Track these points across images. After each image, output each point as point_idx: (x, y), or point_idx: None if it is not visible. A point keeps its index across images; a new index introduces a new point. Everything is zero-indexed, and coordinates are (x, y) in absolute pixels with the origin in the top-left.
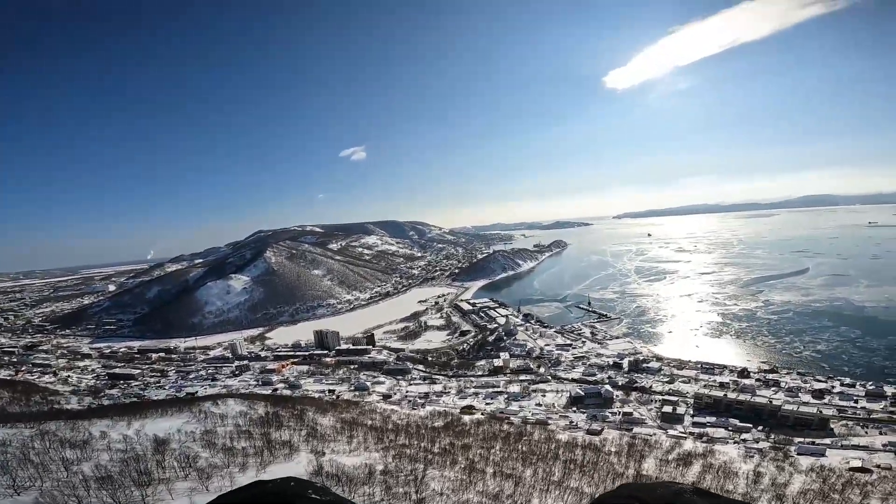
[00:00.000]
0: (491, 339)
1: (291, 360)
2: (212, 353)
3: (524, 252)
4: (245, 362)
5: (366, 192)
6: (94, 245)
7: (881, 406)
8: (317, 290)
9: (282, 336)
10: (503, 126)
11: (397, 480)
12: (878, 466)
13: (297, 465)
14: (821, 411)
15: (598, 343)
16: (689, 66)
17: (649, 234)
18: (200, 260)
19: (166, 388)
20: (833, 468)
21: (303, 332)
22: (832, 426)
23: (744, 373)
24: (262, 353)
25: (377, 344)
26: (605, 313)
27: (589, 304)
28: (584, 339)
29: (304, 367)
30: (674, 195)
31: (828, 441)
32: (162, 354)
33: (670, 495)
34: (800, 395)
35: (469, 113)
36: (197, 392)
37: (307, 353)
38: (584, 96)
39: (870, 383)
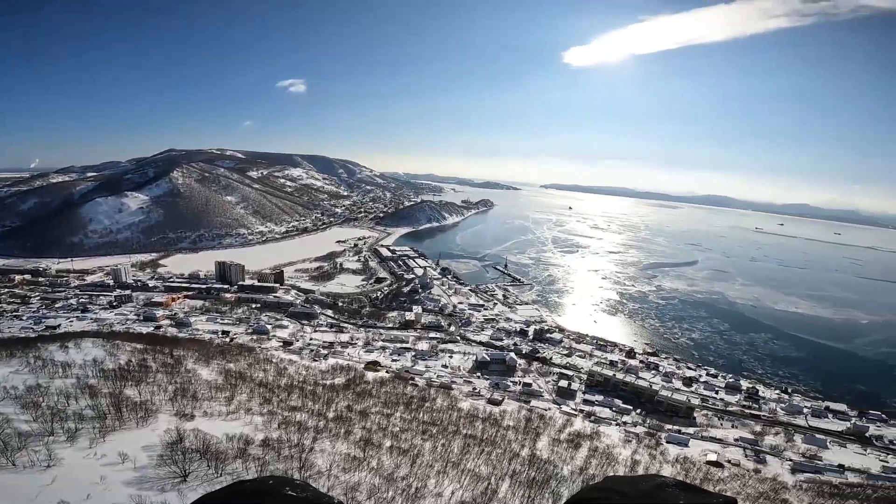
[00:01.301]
0: (406, 290)
1: (184, 293)
2: (89, 279)
3: (451, 206)
4: (128, 292)
5: (299, 126)
6: None
7: (736, 399)
8: (226, 218)
9: (179, 265)
10: (451, 82)
11: (278, 455)
12: (729, 462)
13: (151, 433)
14: (689, 399)
15: (509, 307)
16: (646, 57)
17: (570, 208)
18: (94, 174)
19: (24, 318)
20: (694, 461)
21: (204, 263)
22: (695, 415)
23: (630, 353)
24: (151, 283)
25: (286, 283)
26: (518, 277)
27: (506, 266)
28: (495, 301)
29: (199, 303)
30: (597, 174)
31: (691, 430)
32: (28, 277)
33: (653, 489)
34: (673, 380)
35: (418, 63)
36: (60, 326)
37: (205, 287)
38: (539, 67)
39: (730, 376)
